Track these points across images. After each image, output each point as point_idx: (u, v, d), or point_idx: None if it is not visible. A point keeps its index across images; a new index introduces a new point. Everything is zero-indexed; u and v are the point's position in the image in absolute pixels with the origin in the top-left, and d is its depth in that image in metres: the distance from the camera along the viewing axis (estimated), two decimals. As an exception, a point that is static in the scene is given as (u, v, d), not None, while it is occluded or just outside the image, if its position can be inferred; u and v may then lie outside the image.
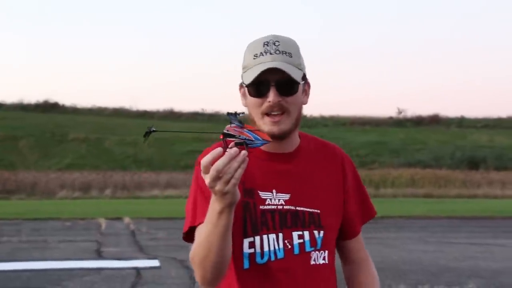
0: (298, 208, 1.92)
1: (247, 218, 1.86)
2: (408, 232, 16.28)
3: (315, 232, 1.92)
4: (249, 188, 1.87)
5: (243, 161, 1.57)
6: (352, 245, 2.11)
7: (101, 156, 41.77)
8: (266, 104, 1.86)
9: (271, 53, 1.86)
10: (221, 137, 1.59)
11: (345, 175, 2.04)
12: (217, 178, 1.57)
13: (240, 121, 1.61)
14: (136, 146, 41.46)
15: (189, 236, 1.90)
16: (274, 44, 1.87)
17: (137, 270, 9.55)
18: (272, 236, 1.87)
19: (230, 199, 1.62)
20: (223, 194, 1.60)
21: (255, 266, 1.87)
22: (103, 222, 16.93)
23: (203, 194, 1.87)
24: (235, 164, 1.56)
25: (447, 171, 37.89)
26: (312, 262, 1.91)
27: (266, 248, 1.87)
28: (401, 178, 36.16)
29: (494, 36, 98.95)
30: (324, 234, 1.94)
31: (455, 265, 10.68)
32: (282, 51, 1.87)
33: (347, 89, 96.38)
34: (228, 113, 1.60)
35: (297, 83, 1.88)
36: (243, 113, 1.64)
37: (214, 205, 1.66)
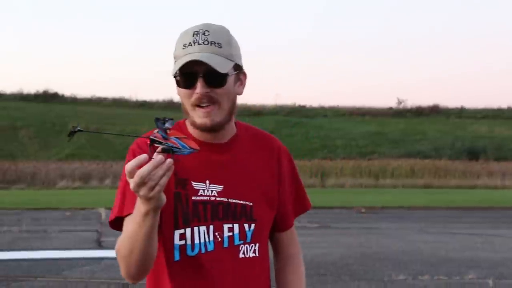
0: (231, 200, 1.89)
1: (178, 210, 1.84)
2: (408, 223, 16.30)
3: (246, 225, 1.89)
4: (182, 178, 1.83)
5: (168, 169, 1.56)
6: (284, 238, 2.07)
7: (101, 146, 41.77)
8: (194, 96, 1.82)
9: (199, 44, 1.82)
10: (148, 142, 1.57)
11: (280, 167, 2.00)
12: (141, 184, 1.56)
13: (167, 128, 1.57)
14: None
15: (116, 223, 1.88)
16: (204, 34, 1.82)
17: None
18: (203, 228, 1.85)
19: (155, 203, 1.62)
20: (147, 199, 1.60)
21: (185, 258, 1.84)
22: (103, 212, 16.94)
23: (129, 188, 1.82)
24: (160, 171, 1.56)
25: (447, 161, 37.89)
26: (241, 255, 1.89)
27: (196, 241, 1.84)
28: (401, 169, 36.17)
29: (495, 26, 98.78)
30: (255, 227, 1.90)
31: (455, 255, 10.70)
32: (211, 41, 1.82)
33: (347, 80, 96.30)
34: (156, 119, 1.55)
35: (225, 75, 1.83)
36: (171, 119, 1.59)
37: (139, 207, 1.65)
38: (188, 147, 1.57)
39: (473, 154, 40.97)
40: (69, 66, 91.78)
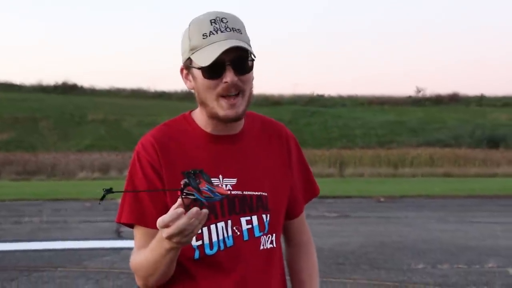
0: (246, 193, 1.86)
1: None
2: (427, 211, 16.23)
3: (263, 216, 1.87)
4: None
5: (204, 218, 1.57)
6: (295, 225, 2.03)
7: (120, 137, 41.94)
8: (222, 86, 1.77)
9: (222, 31, 1.77)
10: (179, 194, 1.57)
11: (290, 154, 1.97)
12: (177, 234, 1.58)
13: (197, 180, 1.56)
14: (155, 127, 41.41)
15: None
16: (222, 21, 1.78)
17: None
18: (221, 224, 1.82)
19: (183, 245, 1.64)
20: (178, 243, 1.62)
21: (205, 256, 1.82)
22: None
23: (134, 193, 1.83)
24: (196, 222, 1.56)
25: (466, 150, 37.60)
26: (261, 247, 1.86)
27: (214, 238, 1.82)
28: (420, 158, 35.96)
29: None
30: (270, 217, 1.88)
31: (475, 244, 10.63)
32: (232, 28, 1.78)
33: (366, 68, 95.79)
34: (187, 173, 1.56)
35: (252, 60, 1.80)
36: (201, 170, 1.57)
37: (163, 243, 1.65)
38: (218, 194, 1.58)
39: (493, 142, 40.59)
40: (88, 58, 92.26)
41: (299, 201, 2.02)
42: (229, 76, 1.77)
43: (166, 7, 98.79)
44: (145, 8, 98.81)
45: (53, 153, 35.42)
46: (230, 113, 1.80)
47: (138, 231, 1.83)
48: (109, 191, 1.53)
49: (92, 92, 56.35)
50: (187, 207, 1.56)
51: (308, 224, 2.10)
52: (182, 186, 1.56)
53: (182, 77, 1.88)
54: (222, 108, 1.80)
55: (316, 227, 12.35)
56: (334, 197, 20.04)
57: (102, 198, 1.55)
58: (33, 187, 25.14)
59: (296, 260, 2.05)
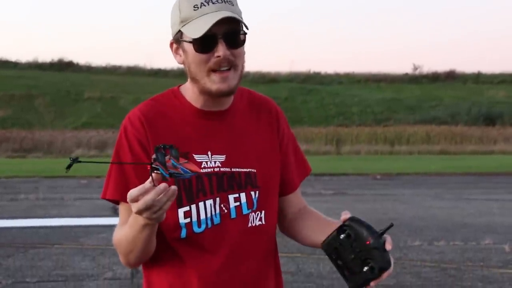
0: (234, 170, 1.82)
1: (181, 187, 1.76)
2: (424, 189, 16.26)
3: (252, 193, 1.83)
4: (184, 152, 1.70)
5: (172, 195, 1.55)
6: (292, 198, 1.98)
7: (117, 114, 41.81)
8: (214, 60, 1.74)
9: (213, 2, 1.73)
10: (149, 168, 1.55)
11: (280, 129, 1.94)
12: (145, 210, 1.56)
13: (167, 155, 1.55)
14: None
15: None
16: None
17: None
18: (209, 202, 1.79)
19: (156, 221, 1.63)
20: (149, 219, 1.60)
21: (192, 235, 1.79)
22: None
23: (120, 169, 1.79)
24: (164, 198, 1.54)
25: (463, 127, 37.64)
26: (249, 225, 1.83)
27: (202, 216, 1.78)
28: (417, 135, 36.00)
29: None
30: (259, 194, 1.84)
31: (471, 221, 10.66)
32: (224, 0, 1.74)
33: (362, 46, 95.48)
34: (157, 148, 1.53)
35: (244, 34, 1.77)
36: (171, 146, 1.54)
37: (138, 219, 1.64)
38: (189, 171, 1.57)
39: (490, 120, 40.63)
40: (84, 34, 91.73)
41: (293, 176, 1.98)
42: (221, 50, 1.73)
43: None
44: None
45: (50, 131, 35.38)
46: (222, 86, 1.76)
47: (123, 207, 1.81)
48: (76, 160, 1.51)
49: (88, 69, 56.08)
50: (157, 183, 1.55)
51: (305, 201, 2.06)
52: (152, 161, 1.54)
53: (172, 51, 1.84)
54: (214, 83, 1.76)
55: (312, 205, 12.16)
56: (330, 174, 20.06)
57: (68, 167, 1.52)
58: (29, 164, 25.12)
59: (299, 218, 1.99)
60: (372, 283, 1.70)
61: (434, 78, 56.25)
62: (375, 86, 53.57)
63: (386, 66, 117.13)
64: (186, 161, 1.58)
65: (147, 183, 1.54)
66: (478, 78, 56.20)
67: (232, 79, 1.77)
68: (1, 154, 30.87)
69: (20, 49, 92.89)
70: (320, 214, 1.98)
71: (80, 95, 46.33)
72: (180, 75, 53.87)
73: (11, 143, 32.45)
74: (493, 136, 35.90)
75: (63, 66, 55.31)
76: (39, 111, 43.47)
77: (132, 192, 1.55)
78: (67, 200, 13.73)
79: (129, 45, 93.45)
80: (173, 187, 1.54)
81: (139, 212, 1.57)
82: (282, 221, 2.00)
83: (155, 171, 1.54)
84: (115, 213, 11.32)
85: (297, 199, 2.01)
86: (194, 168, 1.58)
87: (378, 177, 19.72)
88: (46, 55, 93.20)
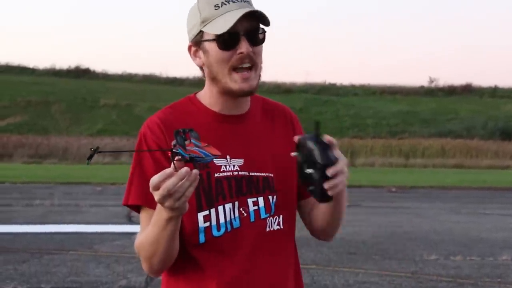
0: (252, 174, 1.82)
1: (200, 191, 1.76)
2: (440, 203, 16.14)
3: (270, 197, 1.83)
4: None
5: (194, 180, 1.54)
6: (311, 204, 1.91)
7: (132, 122, 41.98)
8: (236, 57, 1.75)
9: (233, 1, 1.75)
10: (169, 154, 1.55)
11: (296, 131, 1.93)
12: (167, 196, 1.54)
13: (187, 139, 1.54)
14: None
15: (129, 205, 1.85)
16: None
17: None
18: (229, 205, 1.79)
19: (179, 212, 1.60)
20: (172, 209, 1.58)
21: (211, 239, 1.77)
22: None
23: (142, 175, 1.78)
24: (186, 183, 1.53)
25: (479, 141, 37.42)
26: (268, 229, 1.82)
27: (222, 220, 1.78)
28: (432, 148, 35.84)
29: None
30: (277, 198, 1.84)
31: (488, 236, 10.55)
32: None
33: (378, 58, 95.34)
34: (176, 132, 1.53)
35: (264, 31, 1.79)
36: (191, 129, 1.55)
37: (162, 213, 1.63)
38: (210, 155, 1.55)
39: (506, 134, 40.37)
40: (101, 42, 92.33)
41: None
42: (244, 47, 1.75)
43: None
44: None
45: (65, 137, 35.57)
46: (244, 86, 1.77)
47: (145, 213, 1.80)
48: (96, 150, 1.50)
49: (105, 77, 56.42)
50: (178, 168, 1.53)
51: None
52: (172, 146, 1.53)
53: (191, 54, 1.85)
54: (236, 82, 1.77)
55: (327, 216, 12.26)
56: (345, 186, 19.94)
57: (90, 157, 1.52)
58: (45, 170, 25.25)
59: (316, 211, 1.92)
60: (325, 185, 1.61)
61: (450, 91, 56.04)
62: (390, 98, 53.44)
63: (401, 79, 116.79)
64: (207, 144, 1.57)
65: (169, 169, 1.54)
66: (494, 92, 55.92)
67: (253, 79, 1.78)
68: (17, 159, 31.07)
69: (37, 56, 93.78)
70: None
71: (96, 102, 46.59)
72: (195, 84, 54.03)
73: (27, 148, 32.66)
74: (509, 150, 35.66)
75: (79, 73, 55.71)
76: (55, 117, 43.73)
77: (154, 179, 1.54)
78: (82, 206, 13.77)
79: (145, 54, 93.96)
80: (195, 171, 1.53)
81: (162, 200, 1.55)
82: (314, 223, 1.94)
83: (176, 157, 1.53)
84: (130, 221, 11.34)
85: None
86: (215, 151, 1.57)
87: (393, 189, 19.62)
88: (63, 62, 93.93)
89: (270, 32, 1.83)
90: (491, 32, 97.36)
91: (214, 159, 1.70)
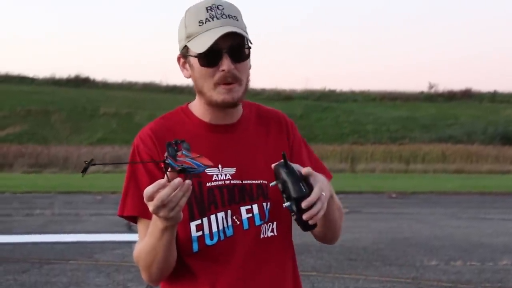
0: (245, 182, 1.84)
1: (192, 201, 1.78)
2: (440, 208, 16.14)
3: (264, 204, 1.84)
4: None
5: (187, 190, 1.57)
6: None
7: (132, 130, 41.98)
8: (219, 74, 1.77)
9: (217, 18, 1.77)
10: (162, 165, 1.57)
11: (292, 139, 1.94)
12: (161, 207, 1.57)
13: (179, 150, 1.57)
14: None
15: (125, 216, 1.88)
16: (218, 8, 1.78)
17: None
18: (221, 214, 1.80)
19: (174, 221, 1.64)
20: (167, 219, 1.61)
21: (204, 248, 1.79)
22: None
23: (136, 186, 1.81)
24: (179, 193, 1.56)
25: (479, 146, 37.39)
26: (262, 236, 1.83)
27: (214, 229, 1.79)
28: (432, 154, 35.81)
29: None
30: (270, 205, 1.85)
31: (488, 241, 10.55)
32: (228, 15, 1.78)
33: (377, 63, 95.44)
34: (168, 143, 1.56)
35: (249, 48, 1.80)
36: (183, 141, 1.58)
37: (157, 223, 1.66)
38: (202, 165, 1.58)
39: (506, 139, 40.33)
40: (101, 51, 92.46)
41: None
42: (226, 64, 1.77)
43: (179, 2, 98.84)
44: (160, 2, 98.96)
45: (65, 146, 35.54)
46: (227, 97, 1.79)
47: (141, 224, 1.82)
48: (91, 163, 1.53)
49: (104, 86, 56.42)
50: (171, 179, 1.56)
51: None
52: (165, 158, 1.56)
53: (180, 66, 1.88)
54: (220, 94, 1.79)
55: (327, 223, 12.26)
56: (345, 192, 19.97)
57: (84, 170, 1.55)
58: (45, 179, 25.24)
59: None
60: (304, 217, 1.66)
61: (450, 96, 56.02)
62: (390, 104, 53.43)
63: (401, 84, 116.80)
64: (199, 155, 1.60)
65: (162, 180, 1.57)
66: (494, 97, 55.93)
67: (237, 91, 1.80)
68: (17, 169, 31.05)
69: (37, 65, 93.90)
70: None
71: (96, 111, 46.60)
72: (195, 93, 54.07)
73: (27, 158, 32.64)
74: (509, 155, 35.63)
75: (79, 82, 55.69)
76: (55, 126, 43.74)
77: (148, 189, 1.57)
78: (82, 215, 13.77)
79: (145, 62, 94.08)
80: (188, 181, 1.56)
81: (156, 210, 1.58)
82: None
83: (169, 169, 1.56)
84: (130, 230, 11.33)
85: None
86: (207, 161, 1.60)
87: (394, 195, 19.61)
88: (63, 71, 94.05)
89: (270, 39, 1.82)
90: (490, 38, 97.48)
91: (206, 169, 1.71)
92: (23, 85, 52.54)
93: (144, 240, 1.76)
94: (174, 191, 1.55)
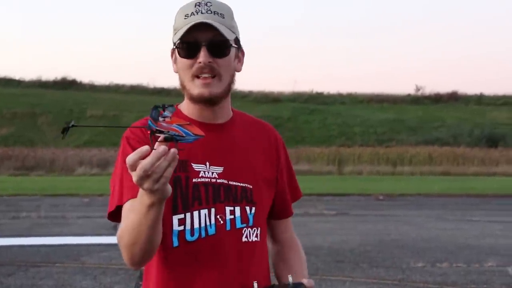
0: (231, 183, 1.83)
1: (178, 194, 1.76)
2: (427, 210, 16.20)
3: (247, 208, 1.84)
4: (182, 160, 1.68)
5: (173, 160, 1.46)
6: (281, 224, 2.02)
7: (119, 133, 41.63)
8: (196, 66, 1.78)
9: (202, 13, 1.79)
10: (148, 132, 1.46)
11: (278, 153, 1.97)
12: (145, 177, 1.46)
13: (167, 116, 1.45)
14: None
15: (115, 215, 1.81)
16: (206, 4, 1.81)
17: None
18: (204, 211, 1.78)
19: (160, 195, 1.53)
20: (152, 191, 1.50)
21: (184, 243, 1.77)
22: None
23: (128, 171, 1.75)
24: (164, 163, 1.45)
25: (465, 148, 37.59)
26: (244, 239, 1.82)
27: (196, 225, 1.77)
28: (419, 156, 35.96)
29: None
30: (256, 210, 1.85)
31: (474, 243, 10.60)
32: (214, 11, 1.80)
33: (365, 66, 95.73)
34: (155, 106, 1.44)
35: (229, 44, 1.81)
36: (172, 105, 1.47)
37: (143, 198, 1.56)
38: (192, 134, 1.46)
39: (492, 141, 40.60)
40: (88, 53, 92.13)
41: (289, 204, 2.02)
42: (202, 57, 1.78)
43: (166, 3, 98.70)
44: (146, 4, 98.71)
45: (52, 149, 35.36)
46: (204, 91, 1.80)
47: (130, 203, 1.74)
48: (71, 124, 1.43)
49: (91, 88, 56.23)
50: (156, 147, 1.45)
51: (307, 221, 2.09)
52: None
53: (172, 60, 1.90)
54: (196, 87, 1.80)
55: (314, 225, 12.30)
56: (332, 194, 20.01)
57: (63, 131, 1.44)
58: (31, 182, 25.09)
59: (282, 252, 2.02)
60: None
61: (437, 99, 56.32)
62: (377, 107, 53.63)
63: (388, 87, 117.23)
64: (189, 123, 1.49)
65: (145, 147, 1.46)
66: (480, 100, 56.27)
67: (215, 86, 1.80)
68: (3, 171, 30.86)
69: (24, 67, 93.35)
70: (293, 261, 2.01)
71: (83, 113, 46.43)
72: (182, 95, 53.92)
73: (13, 161, 32.45)
74: (495, 157, 35.85)
75: (66, 85, 55.46)
76: (41, 129, 43.53)
77: (130, 157, 1.47)
78: (69, 218, 13.70)
79: (132, 64, 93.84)
80: (173, 150, 1.45)
81: (140, 181, 1.47)
82: (273, 245, 2.04)
83: (156, 134, 1.45)
84: (116, 232, 11.30)
85: (287, 227, 2.05)
86: (198, 131, 1.48)
87: (381, 197, 19.66)
88: (50, 74, 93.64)
89: (257, 41, 1.84)
90: (476, 41, 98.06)
91: (193, 164, 1.69)
92: (9, 88, 52.26)
93: (129, 216, 1.67)
94: (158, 160, 1.45)
